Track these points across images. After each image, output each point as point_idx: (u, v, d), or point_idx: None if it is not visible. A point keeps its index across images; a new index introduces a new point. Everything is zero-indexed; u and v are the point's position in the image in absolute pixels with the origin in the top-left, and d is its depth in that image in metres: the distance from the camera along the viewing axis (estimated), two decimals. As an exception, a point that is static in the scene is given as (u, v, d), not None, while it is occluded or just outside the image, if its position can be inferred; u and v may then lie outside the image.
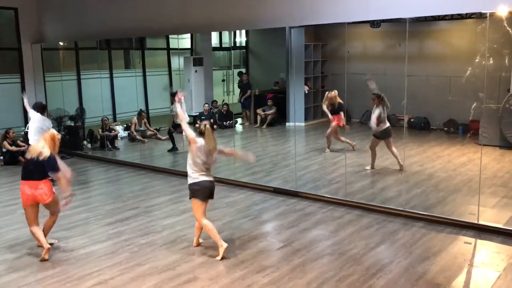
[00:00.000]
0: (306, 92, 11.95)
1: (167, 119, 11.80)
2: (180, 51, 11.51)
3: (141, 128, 10.99)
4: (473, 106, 8.69)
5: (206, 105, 11.53)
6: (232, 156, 5.36)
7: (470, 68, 8.66)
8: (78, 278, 4.56)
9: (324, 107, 8.96)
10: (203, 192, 4.93)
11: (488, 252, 5.05)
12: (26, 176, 4.97)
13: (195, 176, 4.93)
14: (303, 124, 11.62)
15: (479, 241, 5.28)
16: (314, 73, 12.31)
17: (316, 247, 5.15)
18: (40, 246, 5.02)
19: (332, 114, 8.92)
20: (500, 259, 4.80)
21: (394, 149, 7.66)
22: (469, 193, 6.77)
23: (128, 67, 12.59)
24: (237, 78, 12.62)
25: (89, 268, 4.76)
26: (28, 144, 9.38)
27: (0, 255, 5.16)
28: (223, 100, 12.07)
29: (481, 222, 5.57)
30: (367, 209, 6.30)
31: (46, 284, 4.46)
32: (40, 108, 7.64)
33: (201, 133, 4.88)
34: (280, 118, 12.15)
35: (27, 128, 10.19)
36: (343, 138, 8.74)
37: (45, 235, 5.08)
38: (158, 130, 11.38)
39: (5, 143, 9.37)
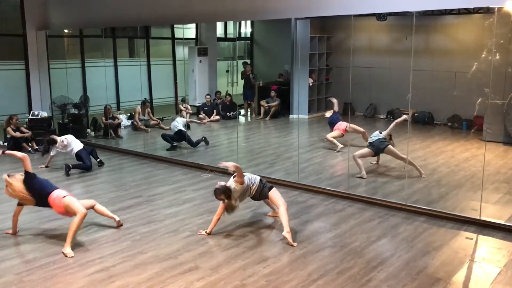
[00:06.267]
0: (310, 84, 11.93)
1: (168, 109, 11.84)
2: (185, 41, 11.50)
3: (144, 118, 10.99)
4: (478, 102, 8.66)
5: (208, 96, 11.51)
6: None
7: (476, 63, 8.61)
8: (80, 265, 4.58)
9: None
10: None
11: (489, 248, 5.06)
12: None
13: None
14: (306, 116, 11.61)
15: (480, 237, 5.28)
16: (318, 65, 12.29)
17: (318, 239, 5.17)
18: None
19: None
20: (501, 255, 4.81)
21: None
22: (472, 188, 6.76)
23: (132, 56, 12.58)
24: (241, 69, 12.59)
25: (91, 255, 4.79)
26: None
27: (3, 240, 5.19)
28: (227, 91, 12.06)
29: (483, 218, 5.56)
30: (369, 202, 6.30)
31: (47, 270, 4.49)
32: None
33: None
34: (284, 110, 12.14)
35: (31, 116, 10.24)
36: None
37: None
38: (161, 119, 11.38)
39: (9, 129, 9.39)
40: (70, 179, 7.64)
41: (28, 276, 4.39)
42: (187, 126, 9.84)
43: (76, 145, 8.22)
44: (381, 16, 10.55)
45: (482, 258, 4.78)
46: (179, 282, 4.26)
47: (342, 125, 8.93)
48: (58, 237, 5.23)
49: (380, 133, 7.42)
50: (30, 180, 5.08)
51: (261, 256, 4.75)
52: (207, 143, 9.54)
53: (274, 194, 5.37)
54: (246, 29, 13.49)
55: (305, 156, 8.44)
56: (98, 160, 8.42)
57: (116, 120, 10.65)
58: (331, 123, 9.22)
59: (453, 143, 9.52)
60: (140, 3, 9.08)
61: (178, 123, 9.41)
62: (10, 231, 5.31)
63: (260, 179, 5.48)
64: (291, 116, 11.86)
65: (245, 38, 13.55)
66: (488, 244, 5.13)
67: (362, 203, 6.32)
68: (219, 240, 5.13)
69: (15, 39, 10.72)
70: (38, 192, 5.09)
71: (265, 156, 8.80)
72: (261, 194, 5.41)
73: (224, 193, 5.12)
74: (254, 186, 5.39)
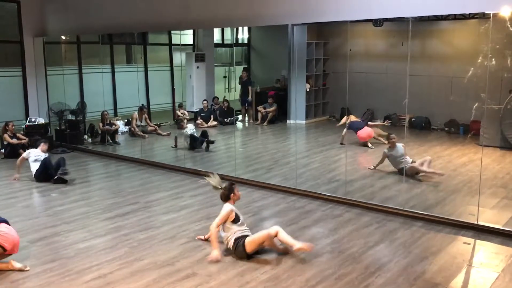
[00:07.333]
0: (308, 90, 11.95)
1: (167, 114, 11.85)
2: (182, 47, 11.50)
3: (141, 124, 10.98)
4: (474, 107, 8.69)
5: (205, 101, 11.53)
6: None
7: (472, 69, 8.66)
8: (77, 272, 4.56)
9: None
10: None
11: (487, 253, 5.05)
12: None
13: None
14: (304, 122, 11.63)
15: (478, 242, 5.28)
16: (315, 71, 12.32)
17: (316, 245, 5.15)
18: None
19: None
20: (499, 260, 4.81)
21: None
22: (469, 193, 6.77)
23: (129, 62, 12.59)
24: (239, 75, 12.61)
25: (88, 262, 4.77)
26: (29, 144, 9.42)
27: (-1, 247, 5.16)
28: (224, 97, 12.07)
29: (481, 222, 5.57)
30: (367, 207, 6.30)
31: (45, 277, 4.47)
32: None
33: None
34: (281, 115, 12.16)
35: (27, 122, 10.23)
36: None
37: None
38: (158, 125, 11.38)
39: (6, 136, 9.37)
40: (68, 185, 7.61)
41: (24, 284, 4.36)
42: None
43: (34, 165, 7.84)
44: (377, 22, 10.59)
45: (480, 263, 4.78)
46: (177, 289, 4.24)
47: (365, 130, 9.13)
48: (55, 243, 5.21)
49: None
50: None
51: (259, 262, 4.74)
52: (208, 145, 9.55)
53: (256, 236, 4.84)
54: (243, 35, 13.52)
55: (302, 161, 8.45)
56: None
57: (114, 126, 10.64)
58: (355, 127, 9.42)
59: (450, 148, 9.54)
60: (138, 10, 9.10)
61: (191, 129, 9.66)
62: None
63: (236, 238, 4.88)
64: (288, 121, 11.88)
65: (242, 44, 13.58)
66: (485, 249, 5.13)
67: (359, 208, 6.32)
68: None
69: (12, 46, 10.72)
70: None
71: (263, 162, 8.80)
72: (237, 251, 4.85)
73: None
74: (232, 237, 4.90)
